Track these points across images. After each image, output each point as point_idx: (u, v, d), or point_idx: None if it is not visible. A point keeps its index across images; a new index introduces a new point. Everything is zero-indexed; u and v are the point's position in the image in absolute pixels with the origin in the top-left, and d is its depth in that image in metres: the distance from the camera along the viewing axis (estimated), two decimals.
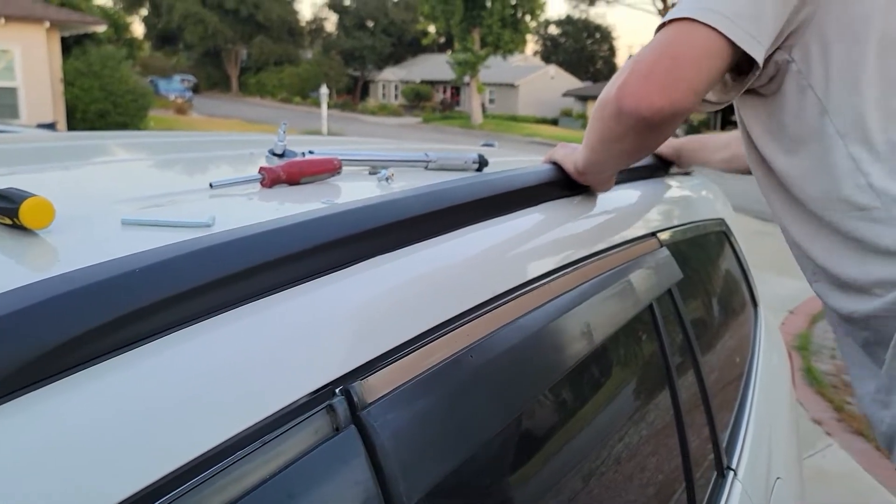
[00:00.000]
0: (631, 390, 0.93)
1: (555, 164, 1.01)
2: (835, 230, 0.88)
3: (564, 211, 0.91)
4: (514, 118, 31.25)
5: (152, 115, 15.61)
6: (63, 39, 11.41)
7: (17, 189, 0.58)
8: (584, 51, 49.24)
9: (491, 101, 35.20)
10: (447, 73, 30.95)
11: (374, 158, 1.00)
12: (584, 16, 49.18)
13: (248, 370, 0.45)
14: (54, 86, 10.17)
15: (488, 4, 24.74)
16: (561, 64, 42.22)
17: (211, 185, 0.78)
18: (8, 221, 0.57)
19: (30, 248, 0.54)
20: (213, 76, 47.26)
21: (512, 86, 34.57)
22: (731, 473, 1.18)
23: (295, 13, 47.39)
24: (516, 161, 1.34)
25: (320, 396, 0.47)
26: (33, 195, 0.56)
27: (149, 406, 0.38)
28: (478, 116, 27.55)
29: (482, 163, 1.09)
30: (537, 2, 25.49)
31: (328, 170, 0.88)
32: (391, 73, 41.81)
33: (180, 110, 24.63)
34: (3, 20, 9.43)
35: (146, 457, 0.37)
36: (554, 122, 30.66)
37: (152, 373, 0.40)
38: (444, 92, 38.51)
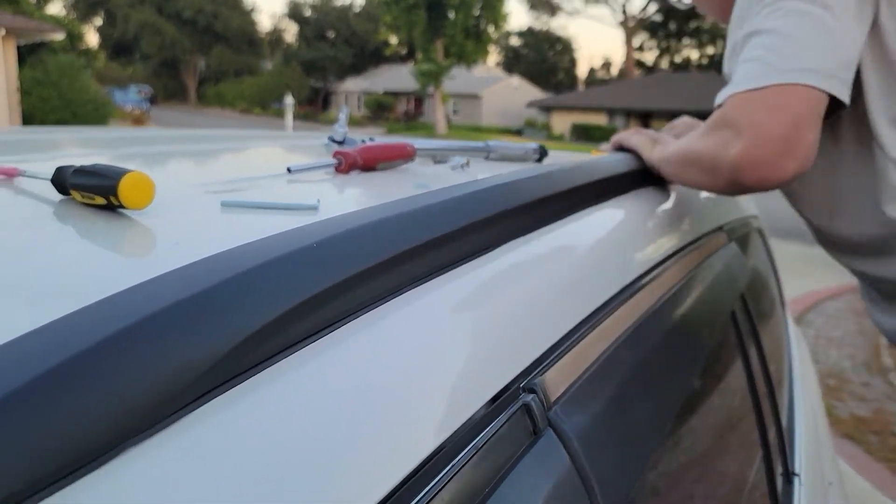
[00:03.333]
0: (731, 393, 0.87)
1: (628, 150, 0.95)
2: None
3: (647, 201, 0.86)
4: (479, 128, 31.32)
5: (112, 125, 15.20)
6: (18, 48, 11.02)
7: (108, 165, 0.50)
8: (545, 62, 49.72)
9: (455, 111, 35.23)
10: (410, 84, 30.92)
11: (437, 147, 0.93)
12: (545, 27, 49.76)
13: (433, 367, 0.38)
14: (10, 95, 9.77)
15: (451, 15, 24.80)
16: (523, 75, 42.60)
17: (289, 170, 0.71)
18: (101, 201, 0.49)
19: (143, 231, 0.46)
20: (170, 87, 46.39)
21: (476, 96, 34.67)
22: (797, 479, 1.13)
23: (254, 23, 46.88)
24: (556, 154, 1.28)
25: (510, 395, 0.40)
26: (132, 171, 0.48)
27: (336, 420, 0.31)
28: (442, 127, 27.53)
29: (542, 153, 1.03)
30: (500, 13, 25.64)
31: (403, 156, 0.81)
32: (353, 84, 41.57)
33: (138, 121, 24.00)
34: None
35: (347, 484, 0.30)
36: (518, 132, 30.83)
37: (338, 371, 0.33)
38: (408, 103, 38.45)
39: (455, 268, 0.47)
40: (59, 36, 11.71)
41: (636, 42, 41.04)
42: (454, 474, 0.34)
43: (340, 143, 0.91)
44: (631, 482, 0.46)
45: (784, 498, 1.05)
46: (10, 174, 0.58)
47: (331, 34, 44.52)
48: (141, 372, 0.25)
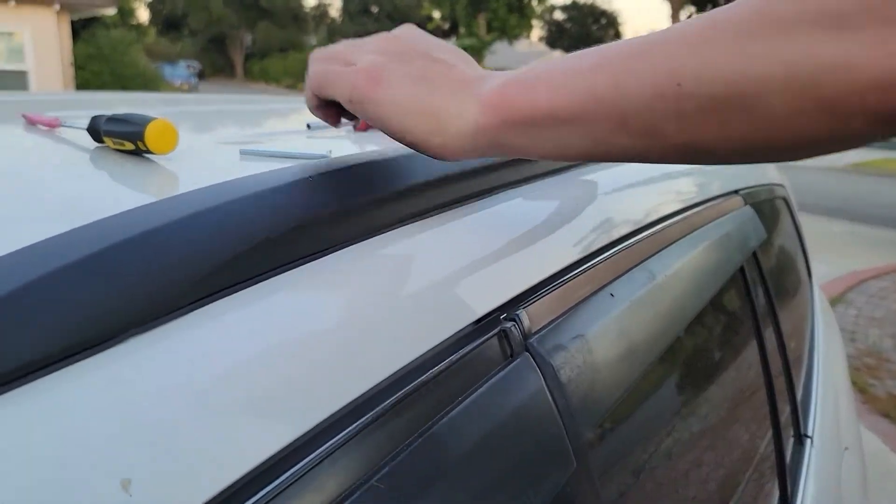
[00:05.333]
0: (730, 348, 0.90)
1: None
2: None
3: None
4: None
5: None
6: (71, 23, 11.33)
7: (137, 113, 0.55)
8: (589, 36, 48.84)
9: None
10: None
11: None
12: (590, 1, 48.81)
13: (420, 290, 0.42)
14: (65, 69, 10.10)
15: None
16: (566, 49, 41.96)
17: (308, 126, 0.75)
18: (130, 146, 0.54)
19: (163, 171, 0.51)
20: (217, 62, 47.02)
21: None
22: (808, 441, 1.15)
23: None
24: None
25: (491, 322, 0.44)
26: (157, 118, 0.53)
27: (326, 328, 0.35)
28: None
29: None
30: None
31: None
32: None
33: None
34: (12, 2, 9.33)
35: (330, 385, 0.34)
36: None
37: (323, 289, 0.37)
38: None
39: (455, 208, 0.51)
40: (110, 11, 11.98)
41: (683, 15, 39.89)
42: (429, 381, 0.38)
43: None
44: (603, 411, 0.49)
45: (793, 457, 1.07)
46: (52, 125, 0.64)
47: (374, 9, 44.47)
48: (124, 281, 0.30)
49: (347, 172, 0.45)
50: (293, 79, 40.16)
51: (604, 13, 49.01)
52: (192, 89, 26.32)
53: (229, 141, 0.65)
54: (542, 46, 42.02)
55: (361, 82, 0.40)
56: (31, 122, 0.66)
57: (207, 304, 0.31)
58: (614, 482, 0.52)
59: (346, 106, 0.43)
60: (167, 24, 45.68)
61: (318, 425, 0.32)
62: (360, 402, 0.34)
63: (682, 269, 0.71)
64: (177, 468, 0.25)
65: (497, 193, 0.55)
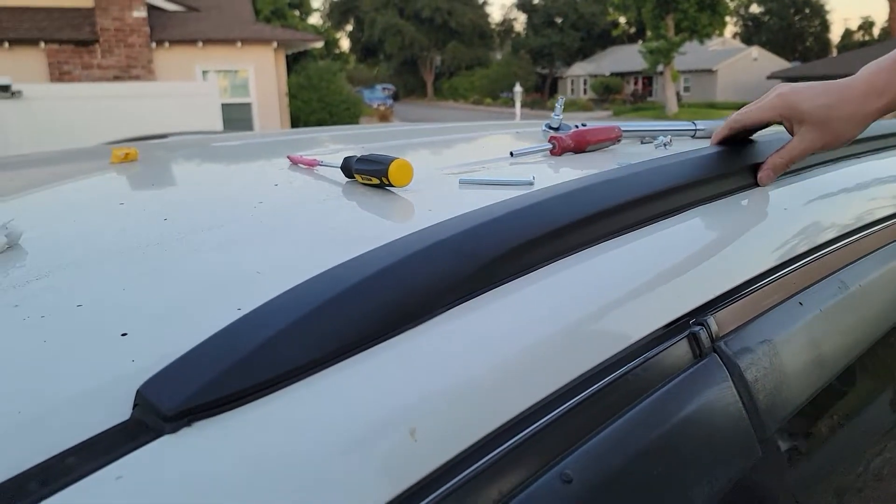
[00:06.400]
0: None
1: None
2: None
3: (850, 174, 0.87)
4: (713, 105, 29.31)
5: (362, 122, 16.81)
6: (286, 57, 12.67)
7: (380, 154, 0.68)
8: (790, 28, 45.06)
9: (686, 88, 33.41)
10: (637, 64, 29.93)
11: (644, 129, 1.02)
12: None
13: (618, 296, 0.49)
14: (280, 99, 11.33)
15: None
16: (764, 44, 39.11)
17: (511, 154, 0.86)
18: (375, 181, 0.67)
19: (408, 201, 0.64)
20: (410, 83, 49.71)
21: (709, 71, 32.55)
22: None
23: (485, 17, 48.41)
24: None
25: (680, 325, 0.51)
26: (397, 158, 0.66)
27: (541, 328, 0.44)
28: (672, 105, 26.20)
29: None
30: None
31: (611, 138, 0.91)
32: (579, 68, 41.21)
33: (383, 117, 26.22)
34: (239, 43, 10.69)
35: (546, 370, 0.43)
36: None
37: (545, 295, 0.46)
38: (635, 83, 37.25)
39: (650, 224, 0.58)
40: (318, 44, 13.23)
41: None
42: (626, 374, 0.46)
43: (556, 129, 1.04)
44: (789, 410, 0.54)
45: None
46: (312, 164, 0.80)
47: (558, 20, 44.53)
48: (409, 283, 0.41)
49: (554, 200, 0.53)
50: (479, 94, 41.27)
51: (807, 3, 44.95)
52: (388, 111, 28.05)
53: (448, 170, 0.77)
54: (737, 43, 39.50)
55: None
56: (294, 162, 0.83)
57: (463, 302, 0.42)
58: (797, 472, 0.56)
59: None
60: (365, 51, 49.13)
61: (538, 402, 0.41)
62: (566, 389, 0.43)
63: (877, 280, 0.71)
64: (449, 421, 0.36)
65: (689, 210, 0.61)
